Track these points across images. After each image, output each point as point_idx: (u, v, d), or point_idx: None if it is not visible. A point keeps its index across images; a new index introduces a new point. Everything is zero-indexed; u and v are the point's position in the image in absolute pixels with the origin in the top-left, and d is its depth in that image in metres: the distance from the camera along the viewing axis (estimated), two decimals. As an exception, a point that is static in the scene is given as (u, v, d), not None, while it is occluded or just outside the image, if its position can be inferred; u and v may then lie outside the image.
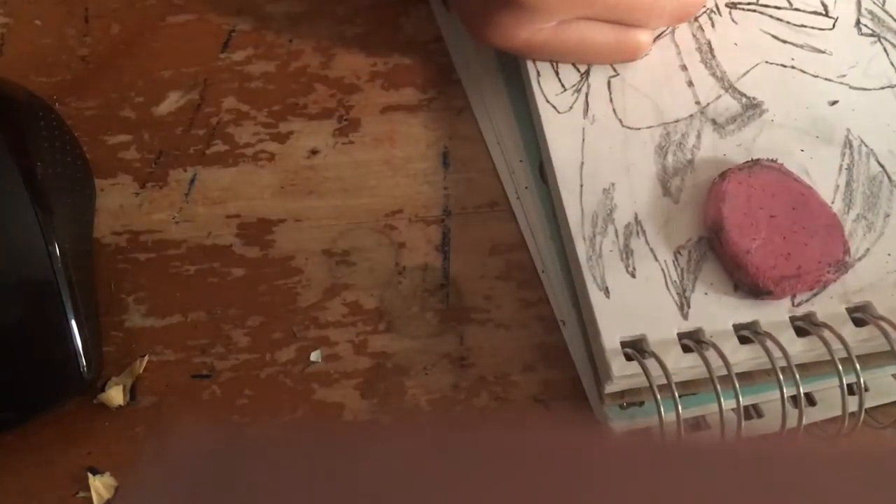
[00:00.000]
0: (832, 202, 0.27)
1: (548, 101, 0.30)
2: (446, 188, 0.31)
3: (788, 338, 0.25)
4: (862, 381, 0.24)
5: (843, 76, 0.30)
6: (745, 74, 0.30)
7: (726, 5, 0.31)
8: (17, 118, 0.29)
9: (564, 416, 0.27)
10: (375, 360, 0.29)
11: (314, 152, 0.32)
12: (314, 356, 0.29)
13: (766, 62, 0.30)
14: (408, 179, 0.31)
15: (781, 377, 0.24)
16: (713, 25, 0.31)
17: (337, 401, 0.28)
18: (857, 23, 0.31)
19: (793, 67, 0.30)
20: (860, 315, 0.25)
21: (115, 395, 0.28)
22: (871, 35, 0.31)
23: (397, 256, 0.30)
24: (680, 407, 0.24)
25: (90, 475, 0.27)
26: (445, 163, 0.32)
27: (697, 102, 0.30)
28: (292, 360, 0.29)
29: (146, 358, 0.28)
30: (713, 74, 0.30)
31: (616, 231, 0.27)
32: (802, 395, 0.24)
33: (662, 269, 0.26)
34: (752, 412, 0.27)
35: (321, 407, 0.28)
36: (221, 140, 0.32)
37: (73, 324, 0.27)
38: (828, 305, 0.26)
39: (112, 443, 0.27)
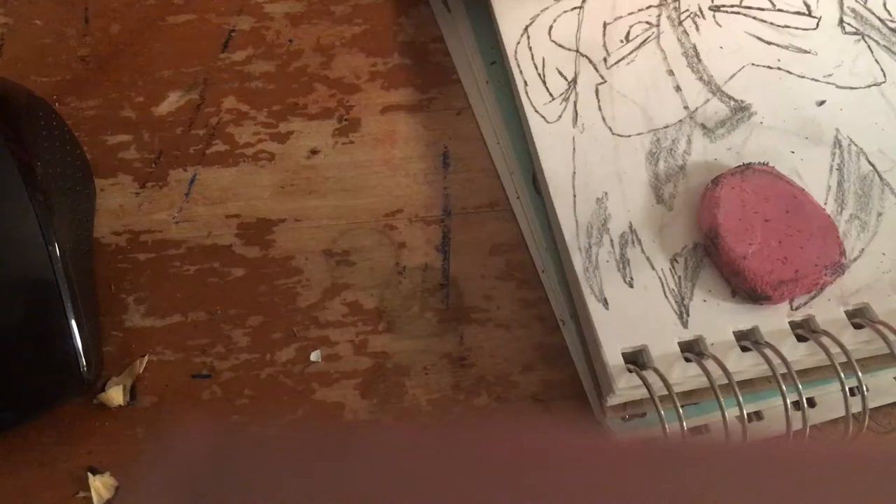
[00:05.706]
0: (825, 203, 0.27)
1: (536, 111, 0.29)
2: (446, 188, 0.31)
3: (790, 344, 0.25)
4: (864, 386, 0.24)
5: (830, 76, 0.30)
6: (731, 77, 0.30)
7: (709, 8, 0.31)
8: (17, 118, 0.29)
9: (564, 417, 0.27)
10: (375, 360, 0.29)
11: (314, 152, 0.32)
12: (314, 356, 0.29)
13: (752, 64, 0.30)
14: (408, 179, 0.31)
15: (783, 385, 0.23)
16: (698, 29, 0.31)
17: (337, 401, 0.28)
18: (841, 21, 0.31)
19: (779, 69, 0.30)
20: (859, 320, 0.25)
21: (115, 395, 0.28)
22: (855, 33, 0.31)
23: (397, 256, 0.30)
24: (683, 420, 0.23)
25: (90, 475, 0.27)
26: (445, 163, 0.32)
27: (686, 107, 0.29)
28: (292, 360, 0.29)
29: (146, 358, 0.28)
30: (700, 79, 0.30)
31: (612, 241, 0.27)
32: (804, 400, 0.24)
33: (660, 278, 0.26)
34: (753, 416, 0.27)
35: (321, 407, 0.28)
36: (221, 140, 0.32)
37: (73, 324, 0.26)
38: (826, 308, 0.26)
39: (112, 443, 0.27)
